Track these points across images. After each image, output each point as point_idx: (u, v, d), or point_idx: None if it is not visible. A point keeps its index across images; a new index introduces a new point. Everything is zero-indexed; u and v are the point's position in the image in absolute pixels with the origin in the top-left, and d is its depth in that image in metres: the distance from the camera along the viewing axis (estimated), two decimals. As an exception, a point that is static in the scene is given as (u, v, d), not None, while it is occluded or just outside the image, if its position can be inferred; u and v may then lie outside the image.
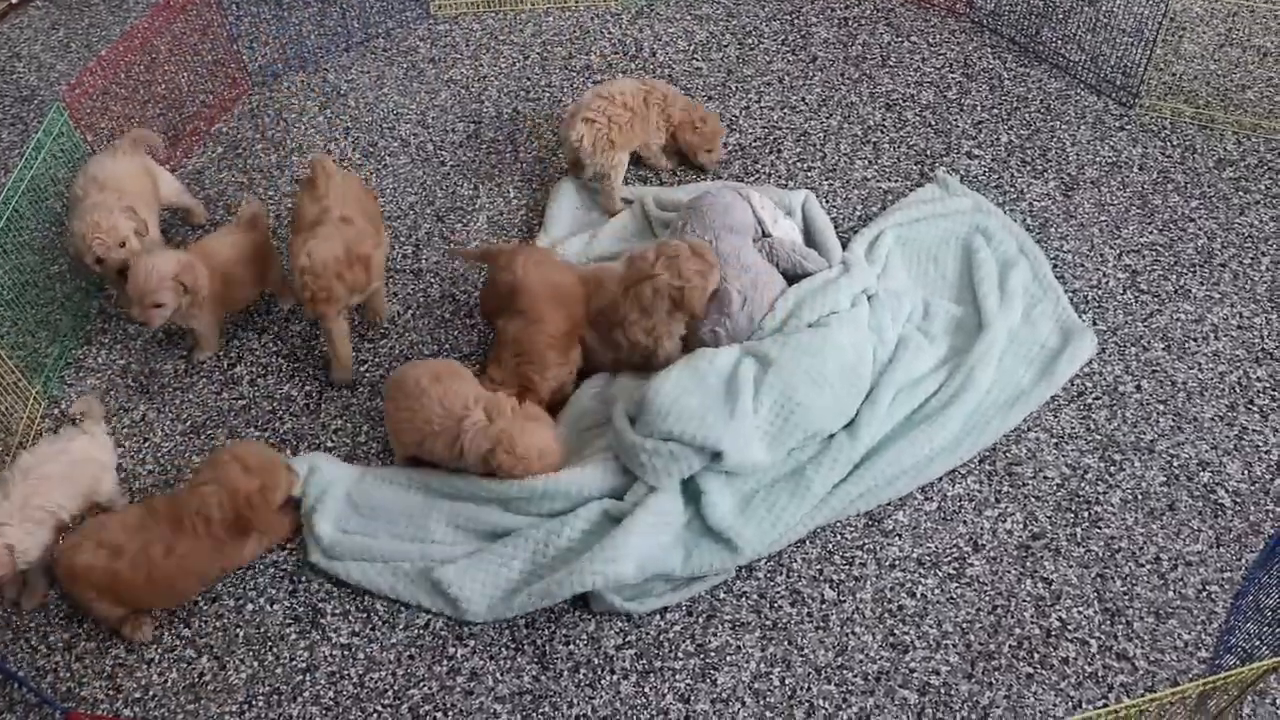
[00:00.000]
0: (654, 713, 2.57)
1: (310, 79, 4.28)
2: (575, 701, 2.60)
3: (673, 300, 2.98)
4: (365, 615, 2.76)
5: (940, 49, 4.27)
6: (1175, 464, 2.97)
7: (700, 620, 2.72)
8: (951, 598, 2.74)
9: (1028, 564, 2.79)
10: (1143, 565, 2.78)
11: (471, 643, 2.70)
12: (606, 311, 3.06)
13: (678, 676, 2.63)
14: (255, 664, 2.69)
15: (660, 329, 3.02)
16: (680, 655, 2.66)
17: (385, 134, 4.04)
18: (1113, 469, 2.97)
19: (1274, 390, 3.13)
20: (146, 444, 3.15)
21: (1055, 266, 3.43)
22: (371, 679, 2.66)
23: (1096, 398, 3.12)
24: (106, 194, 3.23)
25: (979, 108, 4.01)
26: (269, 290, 3.42)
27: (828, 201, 3.67)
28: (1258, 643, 2.58)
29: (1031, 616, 2.70)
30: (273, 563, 2.87)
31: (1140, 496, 2.91)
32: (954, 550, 2.83)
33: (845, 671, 2.62)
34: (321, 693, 2.63)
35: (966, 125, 3.94)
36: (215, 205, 3.78)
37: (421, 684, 2.64)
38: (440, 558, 2.78)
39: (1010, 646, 2.65)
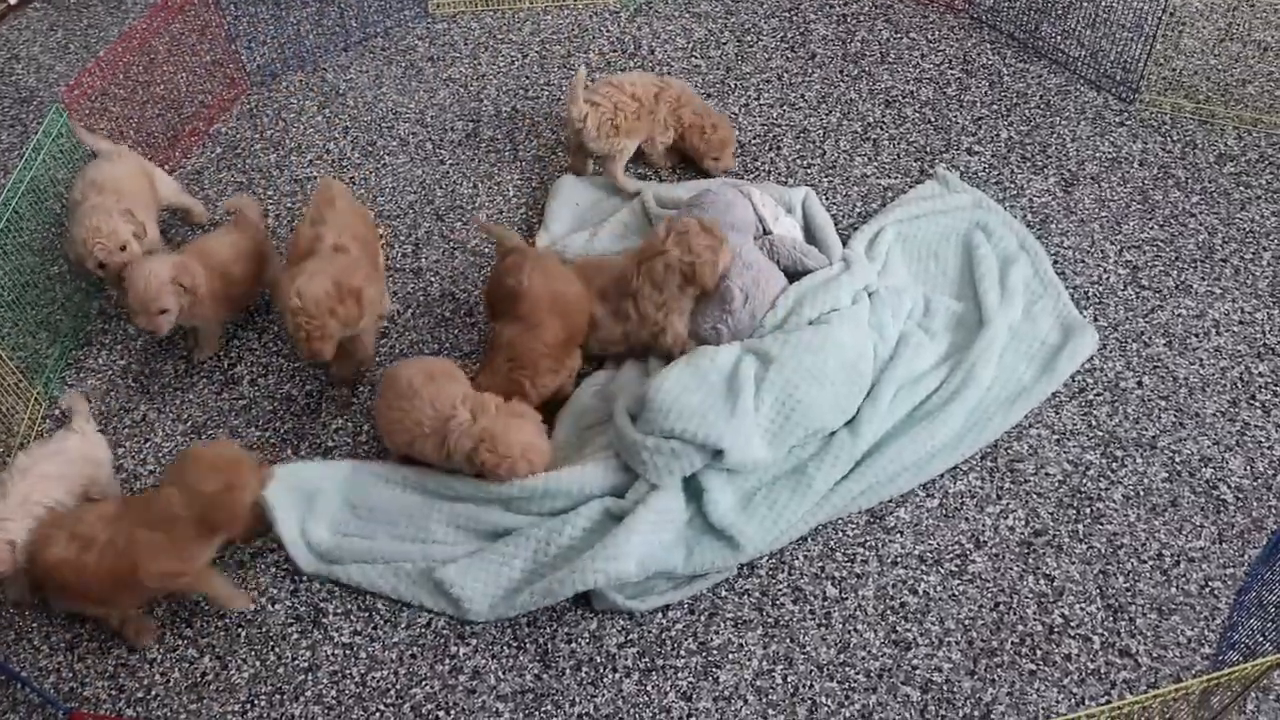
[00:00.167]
0: (656, 711, 2.57)
1: (309, 78, 4.28)
2: (578, 700, 2.60)
3: (684, 275, 2.99)
4: (367, 614, 2.76)
5: (939, 45, 4.26)
6: (1177, 460, 2.97)
7: (702, 618, 2.72)
8: (954, 594, 2.74)
9: (1030, 560, 2.79)
10: (1145, 561, 2.78)
11: (473, 641, 2.70)
12: (618, 282, 3.07)
13: (680, 674, 2.63)
14: (257, 663, 2.68)
15: (671, 304, 3.03)
16: (682, 653, 2.66)
17: (384, 133, 4.03)
18: (1114, 465, 2.97)
19: (1276, 385, 3.12)
20: (147, 444, 3.15)
21: (1056, 262, 3.43)
22: (374, 678, 2.65)
23: (1098, 394, 3.12)
24: (105, 196, 3.22)
25: (978, 104, 4.00)
26: (267, 290, 3.41)
27: (828, 198, 3.67)
28: (1261, 639, 2.58)
29: (1034, 613, 2.69)
30: (274, 562, 2.87)
31: (1142, 492, 2.91)
32: (956, 547, 2.83)
33: (848, 669, 2.62)
34: (324, 692, 2.63)
35: (966, 122, 3.94)
36: (214, 205, 3.77)
37: (424, 683, 2.64)
38: (442, 558, 2.77)
39: (1013, 643, 2.65)
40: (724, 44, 4.32)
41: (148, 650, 2.71)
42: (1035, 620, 2.68)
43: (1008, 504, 2.90)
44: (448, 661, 2.67)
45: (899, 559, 2.81)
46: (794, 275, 3.23)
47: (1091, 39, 4.14)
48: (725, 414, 2.78)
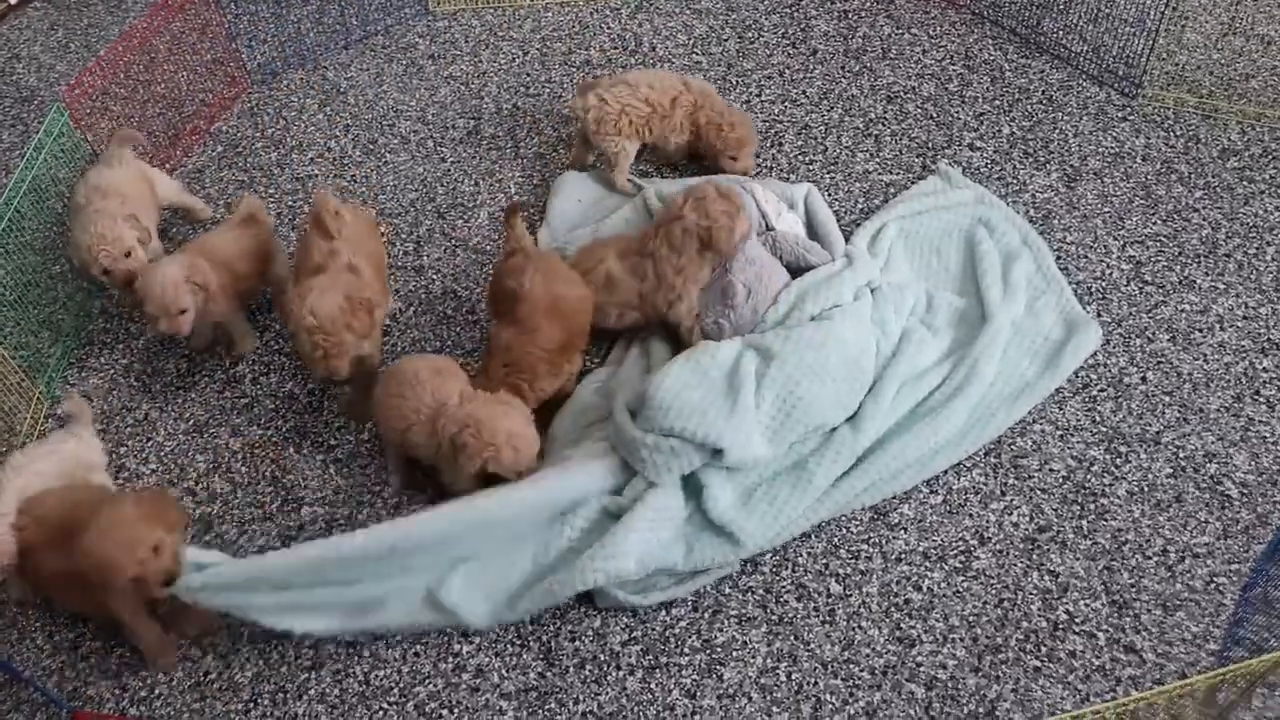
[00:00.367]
0: (660, 708, 2.56)
1: (309, 76, 4.27)
2: (581, 698, 2.59)
3: (700, 240, 3.01)
4: (370, 613, 2.75)
5: (941, 41, 4.25)
6: (1181, 455, 2.96)
7: (706, 615, 2.71)
8: (958, 591, 2.73)
9: (1034, 557, 2.78)
10: (1150, 557, 2.77)
11: (477, 639, 2.69)
12: (639, 241, 3.11)
13: (684, 672, 2.62)
14: (260, 662, 2.68)
15: (689, 269, 3.04)
16: (686, 651, 2.65)
17: (385, 131, 4.03)
18: (1119, 461, 2.96)
19: (1280, 380, 3.12)
20: (149, 443, 3.14)
21: (1059, 258, 3.42)
22: (377, 676, 2.65)
23: (1101, 389, 3.11)
24: (109, 201, 3.22)
25: (980, 99, 3.99)
26: (270, 289, 3.41)
27: (829, 194, 3.66)
28: (1267, 634, 2.57)
29: (1038, 609, 2.69)
30: (277, 561, 2.87)
31: (1147, 488, 2.90)
32: (960, 543, 2.82)
33: (852, 666, 2.61)
34: (327, 690, 2.63)
35: (968, 117, 3.93)
36: (216, 204, 3.78)
37: (427, 681, 2.64)
38: (432, 580, 2.70)
39: (1017, 640, 2.64)
40: (725, 40, 4.31)
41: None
42: (1040, 617, 2.67)
43: (1012, 500, 2.90)
44: (451, 660, 2.67)
45: (903, 555, 2.80)
46: (796, 271, 3.22)
47: (1094, 34, 4.13)
48: (725, 412, 2.77)
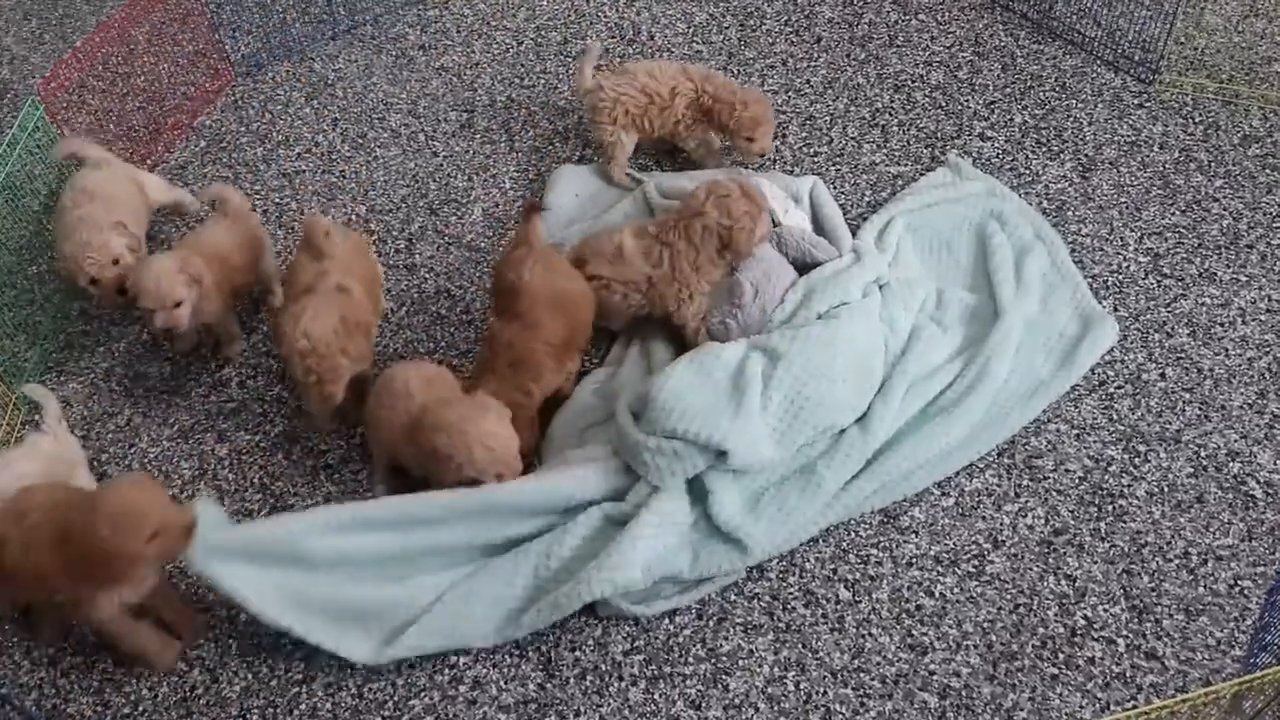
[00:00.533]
0: (664, 720, 2.58)
1: (296, 69, 4.28)
2: (582, 710, 2.59)
3: (721, 239, 3.02)
4: (362, 624, 2.76)
5: (949, 27, 4.26)
6: (1203, 454, 2.97)
7: (711, 623, 2.72)
8: (971, 596, 2.74)
9: (1050, 560, 2.79)
10: (1171, 560, 2.77)
11: (474, 650, 2.70)
12: (658, 225, 3.13)
13: (688, 682, 2.63)
14: (249, 676, 2.68)
15: (705, 267, 3.06)
16: (690, 660, 2.66)
17: (375, 125, 4.03)
18: (1137, 461, 2.96)
19: (1304, 376, 3.13)
20: (133, 450, 3.14)
21: (1073, 251, 3.43)
22: (371, 689, 2.65)
23: (1119, 387, 3.11)
24: (94, 205, 3.21)
25: (991, 88, 4.00)
26: (259, 286, 3.41)
27: (835, 187, 3.66)
28: (1292, 639, 2.57)
29: (1055, 615, 2.69)
30: (265, 571, 2.87)
31: (1167, 489, 2.90)
32: (973, 547, 2.82)
33: (862, 674, 2.62)
34: (319, 705, 2.63)
35: (978, 106, 3.93)
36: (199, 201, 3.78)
37: (423, 694, 2.64)
38: (430, 597, 2.72)
39: (1034, 647, 2.64)
40: (726, 29, 4.32)
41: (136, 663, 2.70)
42: (1057, 622, 2.68)
43: (1026, 502, 2.90)
44: (447, 671, 2.67)
45: (914, 560, 2.81)
46: (803, 268, 3.23)
47: (1109, 18, 4.13)
48: (730, 413, 2.77)
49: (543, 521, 2.80)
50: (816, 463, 2.89)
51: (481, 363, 3.01)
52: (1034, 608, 2.71)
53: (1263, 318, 3.25)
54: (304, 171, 3.87)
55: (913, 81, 4.05)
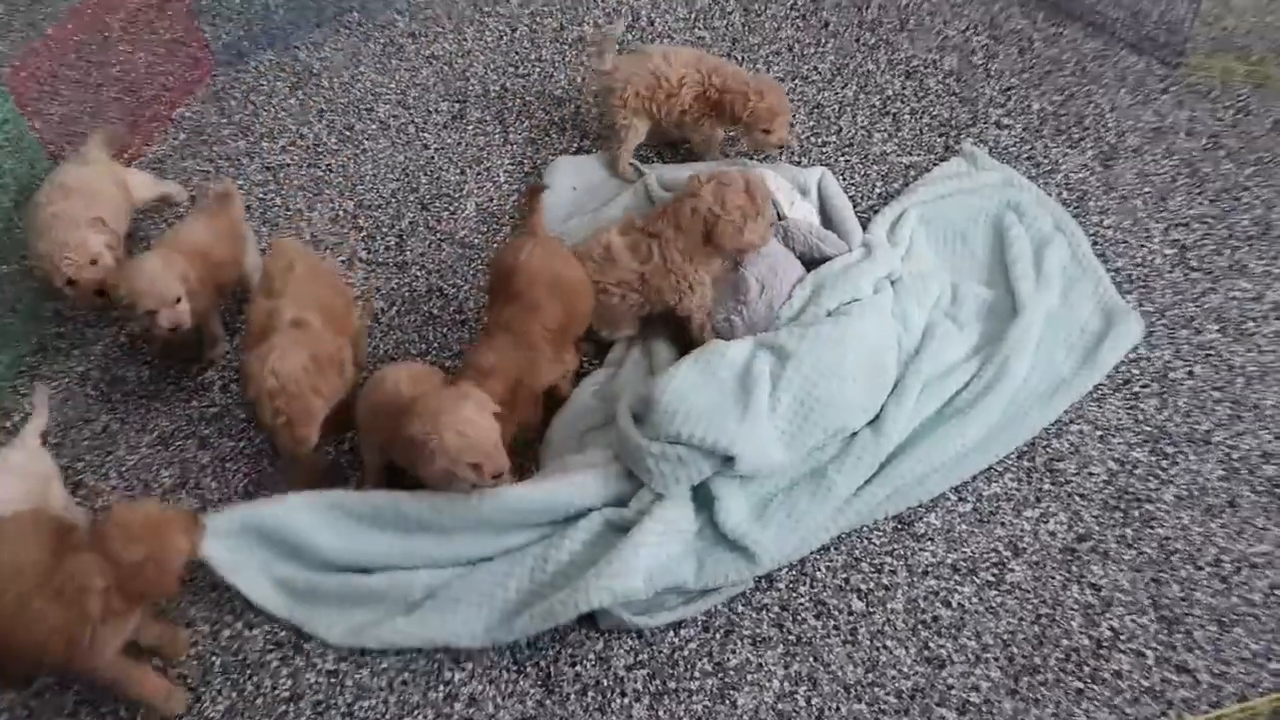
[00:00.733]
0: (669, 739, 2.56)
1: (279, 57, 4.27)
2: (583, 728, 2.59)
3: (706, 225, 2.99)
4: (352, 639, 2.75)
5: (963, 10, 4.25)
6: (1235, 456, 2.95)
7: (718, 636, 2.70)
8: (991, 607, 2.72)
9: (1074, 568, 2.78)
10: (1202, 568, 2.76)
11: (469, 665, 2.68)
12: (646, 219, 3.11)
13: (694, 698, 2.61)
14: (234, 694, 2.67)
15: (698, 255, 3.04)
16: (697, 675, 2.65)
17: (363, 116, 4.02)
18: (1165, 463, 2.95)
19: (1339, 373, 3.12)
20: (110, 458, 3.13)
21: (1095, 243, 3.42)
22: (361, 708, 2.64)
23: (1144, 385, 3.10)
24: (71, 201, 3.19)
25: (1008, 73, 3.99)
26: (241, 286, 3.40)
27: (845, 179, 3.65)
28: (1329, 649, 2.56)
29: (1080, 626, 2.68)
30: (250, 584, 2.86)
31: (1197, 492, 2.89)
32: (992, 555, 2.81)
33: (877, 689, 2.60)
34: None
35: (994, 92, 3.93)
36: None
37: (416, 712, 2.63)
38: (425, 592, 2.76)
39: (1057, 659, 2.63)
40: (729, 13, 4.31)
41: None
42: (1081, 634, 2.67)
43: (1048, 507, 2.89)
44: (442, 688, 2.66)
45: (930, 569, 2.80)
46: (810, 263, 3.22)
47: (1130, -1, 4.13)
48: (737, 416, 2.76)
49: (540, 532, 2.79)
50: (827, 467, 2.88)
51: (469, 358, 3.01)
52: (1057, 618, 2.69)
53: (1295, 312, 3.25)
54: (288, 165, 3.86)
55: (925, 67, 4.04)
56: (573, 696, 2.63)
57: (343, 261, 3.54)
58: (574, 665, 2.68)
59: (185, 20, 4.08)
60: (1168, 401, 3.07)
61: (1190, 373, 3.12)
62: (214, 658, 2.73)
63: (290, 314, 2.88)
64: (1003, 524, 2.87)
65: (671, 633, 2.71)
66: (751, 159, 3.66)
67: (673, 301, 3.08)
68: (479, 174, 3.80)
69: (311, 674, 2.69)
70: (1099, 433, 3.02)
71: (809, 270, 3.18)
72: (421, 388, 2.80)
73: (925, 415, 3.01)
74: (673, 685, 2.63)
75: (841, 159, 3.74)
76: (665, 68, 3.53)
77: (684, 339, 3.16)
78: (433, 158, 3.86)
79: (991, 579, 2.77)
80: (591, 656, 2.69)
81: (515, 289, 2.93)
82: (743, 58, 4.11)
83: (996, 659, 2.64)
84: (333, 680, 2.67)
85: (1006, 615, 2.71)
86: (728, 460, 2.76)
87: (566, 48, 4.21)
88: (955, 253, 3.45)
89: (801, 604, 2.75)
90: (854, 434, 2.95)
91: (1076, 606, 2.71)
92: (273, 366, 2.73)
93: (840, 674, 2.63)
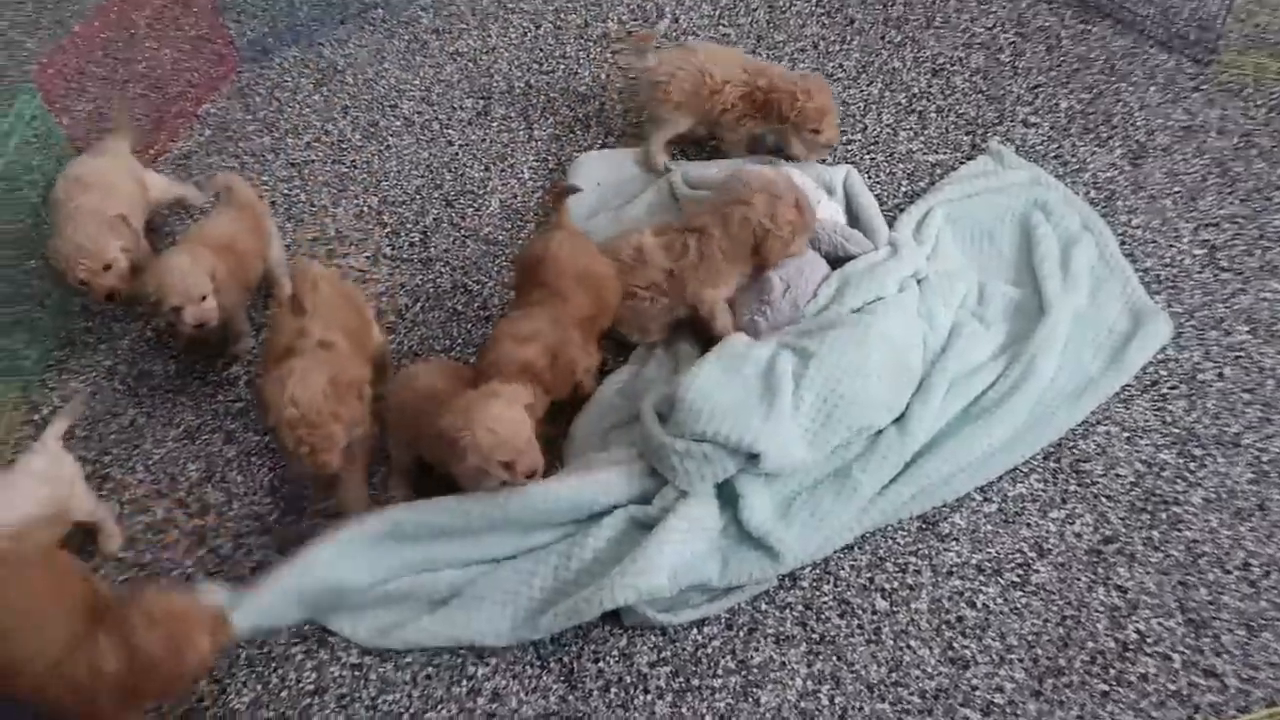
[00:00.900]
0: (692, 736, 2.59)
1: (304, 54, 4.31)
2: (606, 724, 2.62)
3: (755, 236, 3.01)
4: (376, 634, 2.78)
5: (990, 7, 4.25)
6: (1264, 459, 2.95)
7: (741, 634, 2.73)
8: (1016, 608, 2.73)
9: (1100, 570, 2.78)
10: (1230, 572, 2.76)
11: (493, 661, 2.72)
12: (684, 217, 3.13)
13: (717, 696, 2.63)
14: (259, 687, 2.70)
15: (738, 262, 3.07)
16: (720, 672, 2.67)
17: (387, 112, 4.06)
18: (1193, 465, 2.95)
19: (1371, 375, 3.11)
20: (137, 451, 3.18)
21: (1123, 243, 3.42)
22: (385, 702, 2.67)
23: (1173, 387, 3.10)
24: (90, 196, 3.22)
25: (1035, 71, 3.99)
26: (266, 281, 3.43)
27: (870, 177, 3.66)
28: (1359, 653, 2.56)
29: (1105, 628, 2.69)
30: (274, 578, 2.90)
31: (1225, 495, 2.89)
32: (1017, 556, 2.82)
33: (900, 689, 2.62)
34: (331, 717, 2.65)
35: (1021, 90, 3.93)
36: (203, 192, 3.81)
37: (439, 706, 2.66)
38: (449, 591, 2.80)
39: (1082, 661, 2.64)
40: (754, 10, 4.33)
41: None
42: (1107, 636, 2.67)
43: (1074, 508, 2.90)
44: (465, 683, 2.69)
45: (955, 569, 2.81)
46: (835, 262, 3.24)
47: (1161, -4, 4.12)
48: (761, 414, 2.78)
49: (564, 530, 2.83)
50: (852, 466, 2.89)
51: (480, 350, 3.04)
52: (1082, 620, 2.70)
53: (1326, 313, 3.24)
54: (313, 161, 3.90)
55: (952, 65, 4.04)
56: (596, 692, 2.66)
57: (367, 258, 3.58)
58: (597, 661, 2.70)
59: (210, 17, 4.13)
60: (1196, 403, 3.07)
61: (1220, 374, 3.12)
62: (239, 650, 2.76)
63: (318, 334, 2.86)
64: (1028, 525, 2.88)
65: (695, 630, 2.73)
66: (776, 157, 3.66)
67: (693, 292, 3.09)
68: (503, 170, 3.83)
69: (336, 667, 2.72)
70: (1126, 434, 3.02)
71: (834, 269, 3.20)
72: (452, 384, 2.84)
73: (951, 415, 3.02)
74: (696, 682, 2.66)
75: (867, 157, 3.75)
76: (710, 65, 3.53)
77: (707, 338, 3.17)
78: (457, 154, 3.90)
79: (1016, 580, 2.78)
80: (615, 653, 2.71)
81: (543, 279, 2.97)
82: (767, 55, 4.12)
83: (1021, 660, 2.65)
84: (357, 674, 2.71)
85: (1031, 617, 2.72)
86: (752, 458, 2.77)
87: (590, 44, 4.24)
88: (982, 252, 3.45)
89: (825, 603, 2.77)
90: (879, 433, 2.96)
91: (1102, 609, 2.72)
92: (292, 394, 2.68)
93: (863, 673, 2.65)
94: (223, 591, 2.69)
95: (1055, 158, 3.69)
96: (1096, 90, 3.90)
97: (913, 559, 2.83)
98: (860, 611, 2.75)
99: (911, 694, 2.61)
